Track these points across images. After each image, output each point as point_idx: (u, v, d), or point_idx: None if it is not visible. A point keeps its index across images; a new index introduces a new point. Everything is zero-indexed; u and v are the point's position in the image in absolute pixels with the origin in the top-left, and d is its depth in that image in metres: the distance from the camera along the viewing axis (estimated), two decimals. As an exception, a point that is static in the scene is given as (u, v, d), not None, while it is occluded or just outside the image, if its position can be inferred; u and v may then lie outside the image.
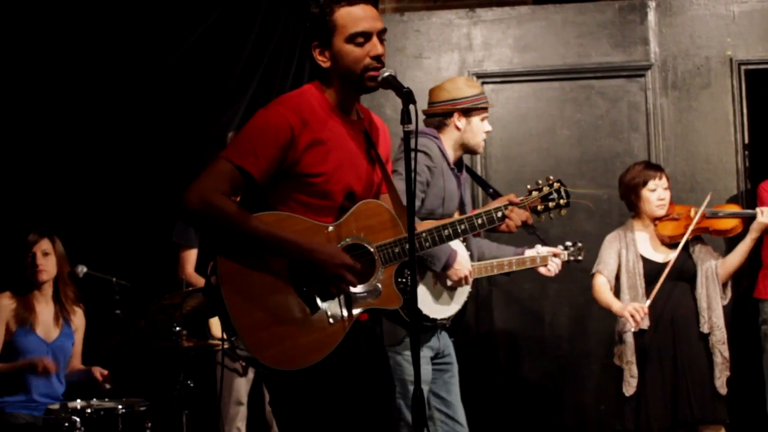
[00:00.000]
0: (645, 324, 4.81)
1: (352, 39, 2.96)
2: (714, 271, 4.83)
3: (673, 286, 4.84)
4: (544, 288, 5.75)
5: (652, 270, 4.86)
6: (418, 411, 2.83)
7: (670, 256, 4.83)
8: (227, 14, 5.66)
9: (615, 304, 4.85)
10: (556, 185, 3.54)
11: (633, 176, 4.95)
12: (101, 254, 5.35)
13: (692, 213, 4.83)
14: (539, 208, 3.51)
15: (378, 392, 3.07)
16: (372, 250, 3.00)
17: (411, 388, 3.84)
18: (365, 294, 2.98)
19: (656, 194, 4.88)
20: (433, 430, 4.10)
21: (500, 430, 5.68)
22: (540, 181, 3.55)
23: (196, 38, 5.61)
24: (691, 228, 4.78)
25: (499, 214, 3.41)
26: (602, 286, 4.95)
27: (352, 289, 2.94)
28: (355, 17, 2.97)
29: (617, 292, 4.96)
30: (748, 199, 5.46)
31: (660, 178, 4.89)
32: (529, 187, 3.56)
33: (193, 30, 5.63)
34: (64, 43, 5.50)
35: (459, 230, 3.25)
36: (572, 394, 5.69)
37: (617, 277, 4.96)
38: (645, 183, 4.89)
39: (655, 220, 4.91)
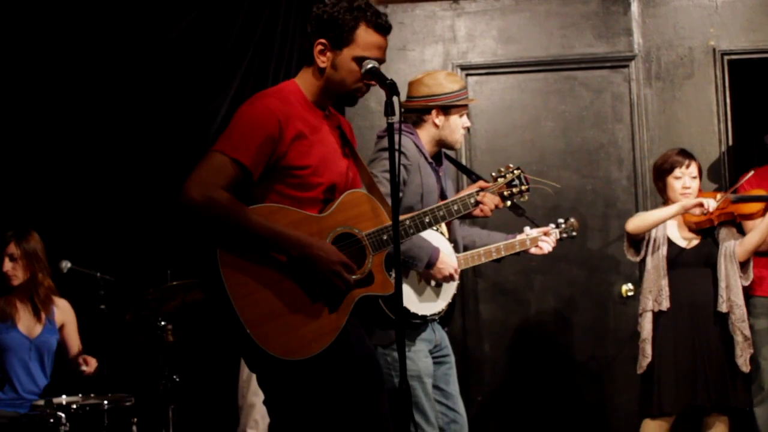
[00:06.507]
0: (665, 306, 4.86)
1: (359, 60, 3.05)
2: (732, 250, 4.87)
3: (696, 271, 4.90)
4: (530, 280, 5.76)
5: (674, 254, 4.91)
6: (405, 404, 2.88)
7: (694, 242, 4.93)
8: (210, 7, 5.63)
9: (680, 202, 4.83)
10: (517, 172, 3.84)
11: (662, 162, 5.01)
12: (85, 249, 5.32)
13: (718, 199, 4.87)
14: (506, 193, 3.80)
15: (368, 388, 3.09)
16: (362, 238, 3.06)
17: (414, 383, 3.90)
18: (359, 281, 3.04)
19: (681, 182, 4.92)
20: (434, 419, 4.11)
21: (486, 421, 5.69)
22: (502, 169, 3.84)
23: (178, 31, 5.58)
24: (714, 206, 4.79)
25: (473, 200, 3.68)
26: (640, 214, 4.97)
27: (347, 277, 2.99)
28: (373, 43, 3.07)
29: (641, 272, 5.03)
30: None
31: (688, 167, 4.92)
32: (493, 174, 3.83)
33: (176, 23, 5.59)
34: (42, 35, 5.45)
35: (438, 216, 3.46)
36: (557, 385, 5.70)
37: (643, 259, 4.99)
38: (671, 170, 4.94)
39: None
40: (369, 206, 3.12)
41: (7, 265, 4.92)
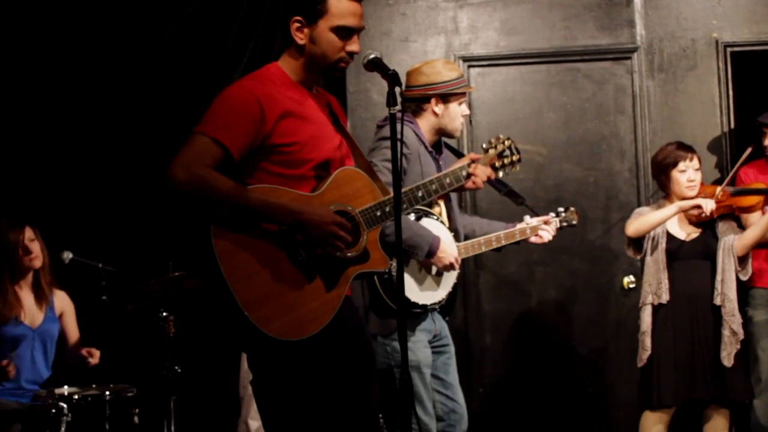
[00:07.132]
0: (664, 298, 4.86)
1: (337, 30, 3.04)
2: (731, 244, 4.87)
3: (695, 264, 4.91)
4: (531, 272, 5.76)
5: (674, 247, 4.92)
6: (406, 393, 2.87)
7: (693, 235, 4.94)
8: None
9: (676, 204, 4.85)
10: (507, 142, 3.89)
11: (664, 157, 5.00)
12: (87, 240, 5.33)
13: (718, 192, 4.87)
14: (497, 164, 3.84)
15: (361, 375, 3.08)
16: (355, 215, 3.06)
17: (413, 373, 3.90)
18: (355, 258, 3.03)
19: (686, 175, 4.92)
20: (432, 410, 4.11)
21: (487, 412, 5.70)
22: (492, 140, 3.88)
23: (178, 24, 5.57)
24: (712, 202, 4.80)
25: (464, 172, 3.71)
26: (641, 215, 4.94)
27: (342, 254, 2.99)
28: (347, 10, 3.04)
29: (642, 264, 5.03)
30: (733, 182, 5.47)
31: (691, 160, 4.93)
32: (484, 145, 3.85)
33: (176, 16, 5.58)
34: (42, 29, 5.45)
35: (431, 190, 3.45)
36: (558, 376, 5.71)
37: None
38: (675, 164, 4.93)
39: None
40: (361, 183, 3.12)
41: (33, 245, 4.93)
